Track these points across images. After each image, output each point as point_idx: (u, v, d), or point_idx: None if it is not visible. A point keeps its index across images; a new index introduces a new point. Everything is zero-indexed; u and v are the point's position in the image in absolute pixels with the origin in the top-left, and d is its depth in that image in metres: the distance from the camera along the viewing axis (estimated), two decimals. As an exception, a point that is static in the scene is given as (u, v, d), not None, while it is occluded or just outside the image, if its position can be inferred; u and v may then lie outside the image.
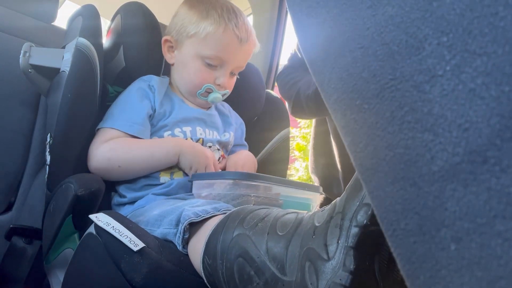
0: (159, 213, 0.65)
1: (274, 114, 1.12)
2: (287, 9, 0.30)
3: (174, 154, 0.77)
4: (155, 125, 0.83)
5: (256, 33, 1.45)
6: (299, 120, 3.24)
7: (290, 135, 1.16)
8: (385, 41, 0.21)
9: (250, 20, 1.46)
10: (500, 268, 0.16)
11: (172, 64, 0.89)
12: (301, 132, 3.20)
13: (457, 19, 0.18)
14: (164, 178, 0.79)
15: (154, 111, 0.82)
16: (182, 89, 0.89)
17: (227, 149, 0.94)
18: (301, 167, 3.13)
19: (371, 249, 0.36)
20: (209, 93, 0.86)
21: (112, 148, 0.74)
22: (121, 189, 0.80)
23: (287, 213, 0.48)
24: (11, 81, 0.97)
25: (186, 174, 0.80)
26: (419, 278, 0.19)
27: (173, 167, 0.80)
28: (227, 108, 1.02)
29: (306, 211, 0.48)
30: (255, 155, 1.07)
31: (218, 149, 0.89)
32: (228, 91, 0.88)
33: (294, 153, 3.13)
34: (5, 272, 0.85)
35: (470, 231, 0.17)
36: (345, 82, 0.24)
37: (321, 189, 0.79)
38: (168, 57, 0.88)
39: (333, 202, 0.42)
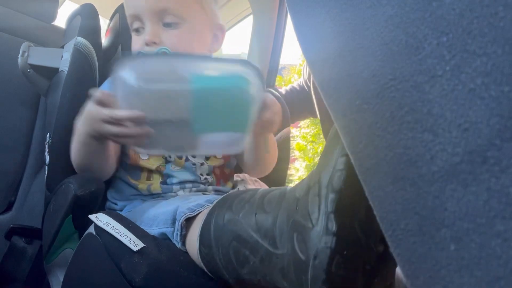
0: (152, 213, 0.64)
1: (274, 114, 1.12)
2: (287, 9, 0.30)
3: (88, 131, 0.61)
4: None
5: (256, 33, 1.45)
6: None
7: (290, 135, 1.15)
8: (385, 41, 0.21)
9: (250, 20, 1.47)
10: (500, 268, 0.16)
11: None
12: (301, 132, 3.20)
13: (457, 19, 0.18)
14: (143, 191, 0.73)
15: None
16: None
17: None
18: (301, 167, 3.13)
19: (349, 210, 0.38)
20: None
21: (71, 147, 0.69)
22: (110, 196, 0.76)
23: (271, 191, 0.49)
24: (11, 81, 0.97)
25: (165, 183, 0.73)
26: (419, 278, 0.19)
27: (148, 176, 0.73)
28: None
29: (287, 186, 0.50)
30: None
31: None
32: (167, 48, 0.69)
33: (294, 153, 3.14)
34: (5, 272, 0.86)
35: (470, 231, 0.17)
36: (345, 82, 0.24)
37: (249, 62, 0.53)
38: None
39: (311, 172, 0.44)
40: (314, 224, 0.39)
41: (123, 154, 0.75)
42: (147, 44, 0.69)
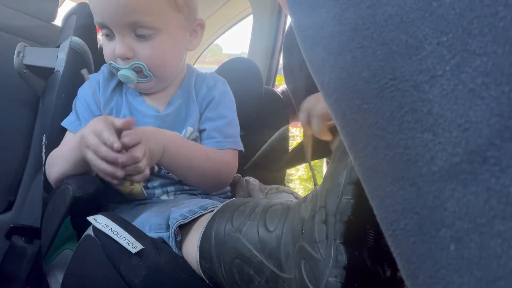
0: (144, 216, 0.64)
1: (273, 111, 1.11)
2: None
3: (77, 152, 0.59)
4: None
5: (256, 33, 1.45)
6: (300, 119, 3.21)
7: (291, 135, 1.15)
8: (385, 41, 0.21)
9: (250, 20, 1.47)
10: (500, 268, 0.16)
11: None
12: (301, 132, 3.20)
13: (457, 19, 0.18)
14: (128, 197, 0.72)
15: (100, 110, 0.70)
16: None
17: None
18: (301, 167, 3.12)
19: (358, 239, 0.38)
20: (118, 71, 0.66)
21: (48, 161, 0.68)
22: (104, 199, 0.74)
23: (273, 205, 0.48)
24: (11, 80, 0.97)
25: (147, 187, 0.71)
26: (419, 278, 0.19)
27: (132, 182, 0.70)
28: (207, 84, 0.76)
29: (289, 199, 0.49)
30: (253, 153, 1.05)
31: None
32: (142, 63, 0.64)
33: (294, 153, 3.13)
34: (5, 272, 0.86)
35: (470, 231, 0.17)
36: (344, 82, 0.24)
37: None
38: None
39: (314, 192, 0.43)
40: (322, 254, 0.38)
41: None
42: (119, 58, 0.64)
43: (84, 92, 0.72)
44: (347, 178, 0.37)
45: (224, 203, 0.55)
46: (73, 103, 0.73)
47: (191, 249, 0.54)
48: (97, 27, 0.92)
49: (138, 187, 0.71)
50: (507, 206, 0.16)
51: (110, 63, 0.66)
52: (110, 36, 0.65)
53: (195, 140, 0.73)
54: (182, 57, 0.73)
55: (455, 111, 0.18)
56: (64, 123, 0.71)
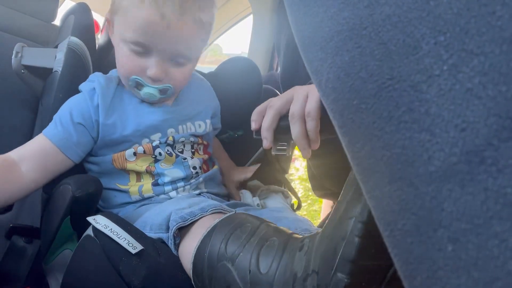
0: (146, 216, 0.64)
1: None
2: (286, 8, 0.30)
3: None
4: (110, 139, 0.69)
5: (256, 33, 1.45)
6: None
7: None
8: (383, 40, 0.21)
9: (250, 20, 1.47)
10: (497, 269, 0.16)
11: None
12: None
13: (454, 19, 0.18)
14: (135, 196, 0.71)
15: (98, 124, 0.69)
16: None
17: (208, 138, 0.82)
18: (301, 166, 3.12)
19: None
20: (142, 87, 0.68)
21: None
22: (100, 206, 0.74)
23: (268, 238, 0.47)
24: (11, 80, 0.97)
25: (156, 184, 0.72)
26: (416, 279, 0.19)
27: (138, 178, 0.72)
28: (203, 87, 0.86)
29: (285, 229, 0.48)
30: (252, 154, 1.04)
31: (192, 143, 0.76)
32: (171, 86, 0.68)
33: (294, 153, 3.13)
34: (5, 271, 0.86)
35: (467, 232, 0.17)
36: (342, 81, 0.24)
37: None
38: (112, 39, 0.73)
39: (311, 242, 0.41)
40: None
41: (104, 161, 0.72)
42: (151, 78, 0.66)
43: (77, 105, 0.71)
44: (344, 254, 0.35)
45: (223, 218, 0.54)
46: (62, 114, 0.71)
47: (187, 255, 0.54)
48: (96, 27, 0.93)
49: (147, 184, 0.71)
50: (505, 207, 0.16)
51: (135, 78, 0.67)
52: (139, 52, 0.66)
53: (209, 132, 0.82)
54: None
55: (453, 111, 0.18)
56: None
